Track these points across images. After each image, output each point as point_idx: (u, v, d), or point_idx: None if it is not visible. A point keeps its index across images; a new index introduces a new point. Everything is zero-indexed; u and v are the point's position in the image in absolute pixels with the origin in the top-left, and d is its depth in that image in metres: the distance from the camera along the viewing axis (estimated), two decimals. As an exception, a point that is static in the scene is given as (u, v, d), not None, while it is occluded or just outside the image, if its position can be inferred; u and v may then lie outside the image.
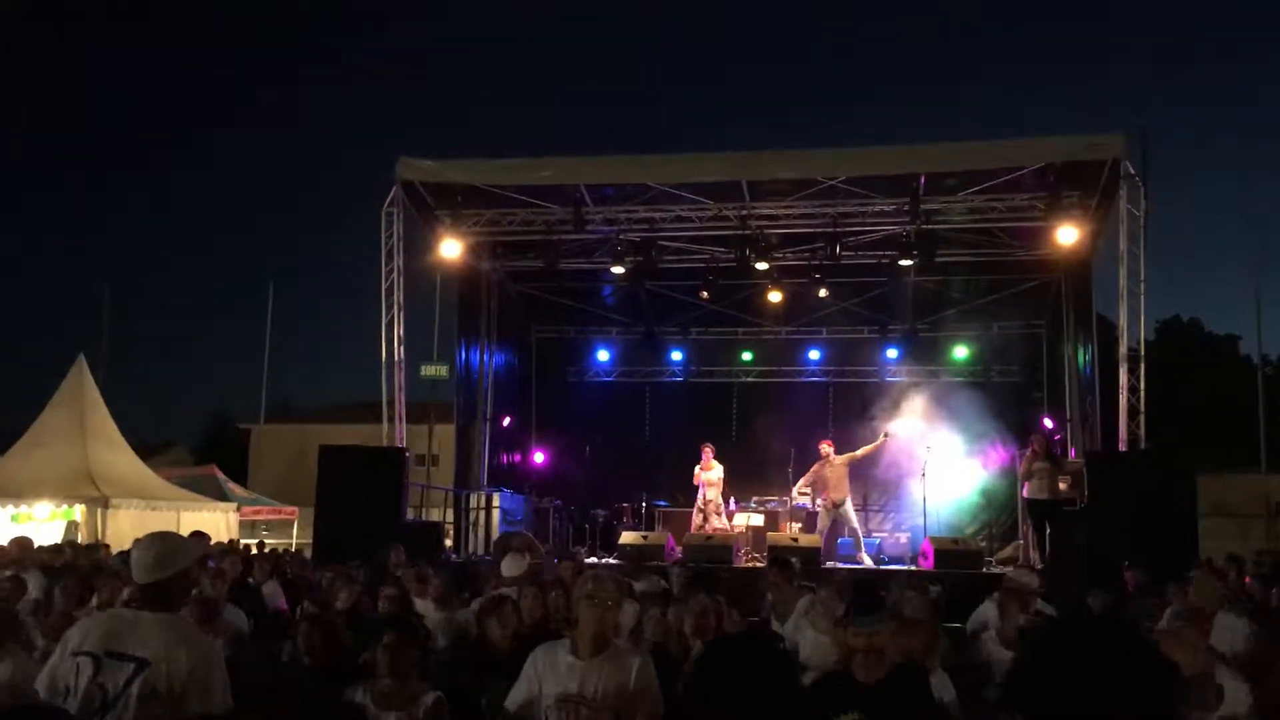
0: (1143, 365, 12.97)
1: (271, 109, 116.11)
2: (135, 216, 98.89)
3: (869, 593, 4.41)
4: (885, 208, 14.23)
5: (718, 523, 14.89)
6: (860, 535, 14.54)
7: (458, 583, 8.54)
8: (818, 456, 14.78)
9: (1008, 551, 15.21)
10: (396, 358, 14.74)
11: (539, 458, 18.76)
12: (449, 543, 14.77)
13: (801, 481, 14.84)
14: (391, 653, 4.20)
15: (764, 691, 1.98)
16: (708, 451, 15.16)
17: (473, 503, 15.98)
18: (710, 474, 15.08)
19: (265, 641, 6.48)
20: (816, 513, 14.92)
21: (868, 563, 13.95)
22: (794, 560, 8.34)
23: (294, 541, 20.74)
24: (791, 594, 7.25)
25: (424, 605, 7.25)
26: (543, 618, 6.05)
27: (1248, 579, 10.58)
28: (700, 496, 15.12)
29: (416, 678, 4.28)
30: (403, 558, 9.73)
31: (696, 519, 15.02)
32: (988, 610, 7.05)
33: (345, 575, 7.75)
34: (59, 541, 13.64)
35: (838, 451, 14.70)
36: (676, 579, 8.52)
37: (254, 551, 12.84)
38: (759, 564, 13.43)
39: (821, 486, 14.55)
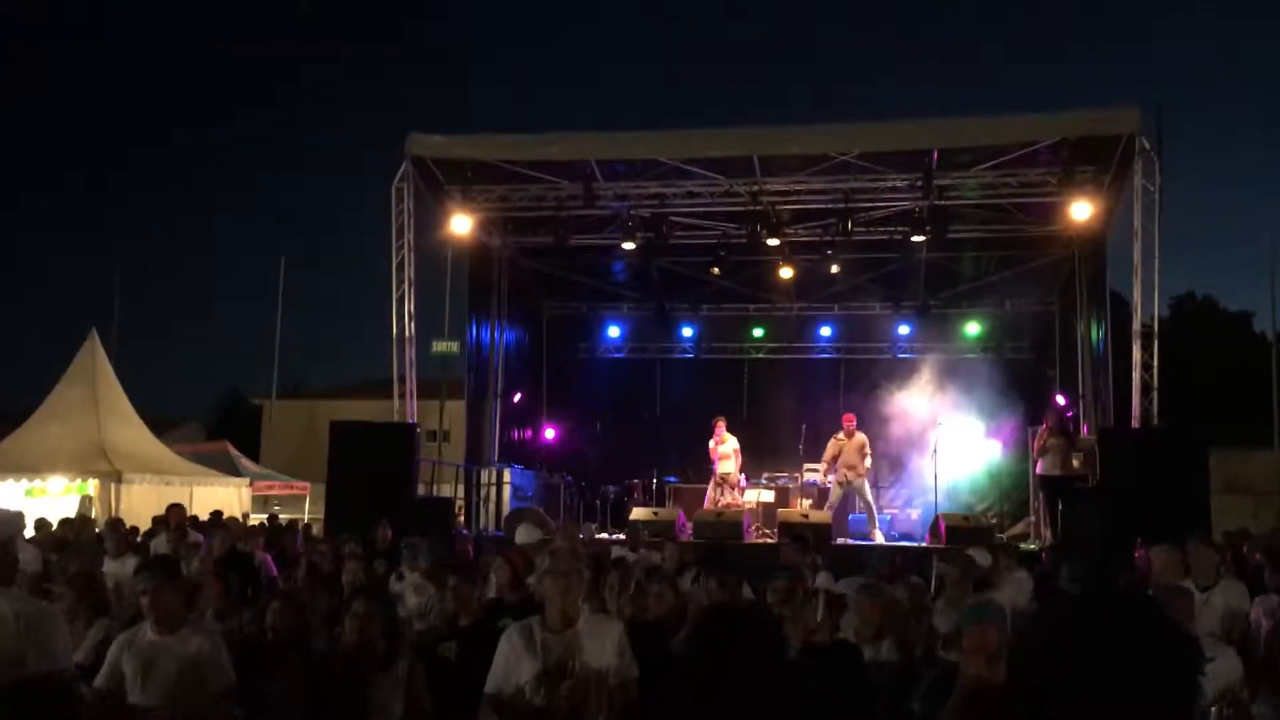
0: (1156, 342, 12.88)
1: (279, 92, 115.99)
2: (148, 198, 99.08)
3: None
4: (898, 183, 14.10)
5: (732, 496, 14.86)
6: (875, 512, 14.48)
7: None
8: (829, 433, 14.77)
9: (1019, 528, 15.22)
10: (407, 334, 14.73)
11: (550, 434, 18.78)
12: (460, 518, 14.83)
13: (825, 456, 14.79)
14: (359, 621, 4.16)
15: (750, 668, 1.94)
16: (720, 425, 15.13)
17: (484, 479, 15.99)
18: (724, 447, 15.05)
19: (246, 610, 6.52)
20: (828, 489, 14.92)
21: (881, 540, 13.89)
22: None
23: (306, 516, 20.83)
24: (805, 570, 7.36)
25: (411, 579, 7.26)
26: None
27: (1258, 555, 10.54)
28: (716, 471, 15.10)
29: (386, 646, 4.22)
30: (389, 534, 9.78)
31: (713, 493, 15.01)
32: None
33: (317, 548, 7.74)
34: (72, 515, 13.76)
35: (860, 428, 14.72)
36: (668, 555, 8.62)
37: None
38: (769, 540, 13.48)
39: (837, 460, 14.52)
